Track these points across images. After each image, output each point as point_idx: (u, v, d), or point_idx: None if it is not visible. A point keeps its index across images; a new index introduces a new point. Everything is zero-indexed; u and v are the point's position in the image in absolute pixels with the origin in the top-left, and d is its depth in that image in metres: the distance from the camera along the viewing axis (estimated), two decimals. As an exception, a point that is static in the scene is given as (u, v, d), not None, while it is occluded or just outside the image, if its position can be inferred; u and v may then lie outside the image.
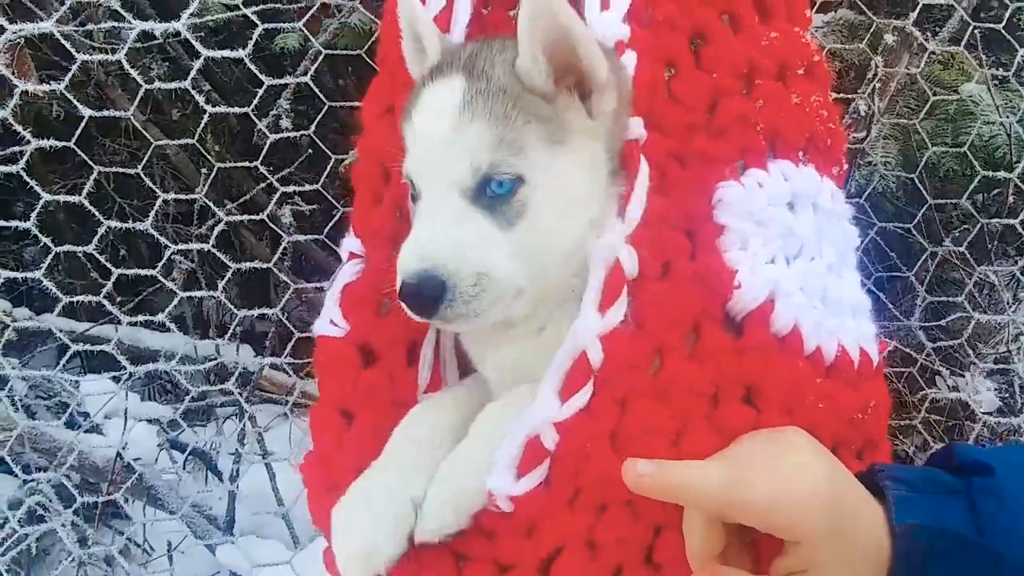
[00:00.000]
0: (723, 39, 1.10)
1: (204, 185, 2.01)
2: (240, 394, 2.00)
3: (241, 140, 2.63)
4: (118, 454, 2.07)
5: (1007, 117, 2.06)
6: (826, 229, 1.09)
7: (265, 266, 2.06)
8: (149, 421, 2.22)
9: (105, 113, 1.95)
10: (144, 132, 2.02)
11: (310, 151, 2.21)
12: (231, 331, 2.07)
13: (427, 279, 0.94)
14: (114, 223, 1.85)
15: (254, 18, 1.85)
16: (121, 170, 2.03)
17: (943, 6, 2.12)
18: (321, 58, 1.97)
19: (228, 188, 2.56)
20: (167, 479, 2.25)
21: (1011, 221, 2.06)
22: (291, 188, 2.01)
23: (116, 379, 2.16)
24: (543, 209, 0.97)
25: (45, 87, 1.82)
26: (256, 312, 2.07)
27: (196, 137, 1.92)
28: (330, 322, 1.14)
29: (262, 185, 2.26)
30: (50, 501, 2.03)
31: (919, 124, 2.22)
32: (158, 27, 1.83)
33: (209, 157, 2.02)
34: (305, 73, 2.01)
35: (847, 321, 1.05)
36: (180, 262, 2.13)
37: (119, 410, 2.17)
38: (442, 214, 0.97)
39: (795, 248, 1.05)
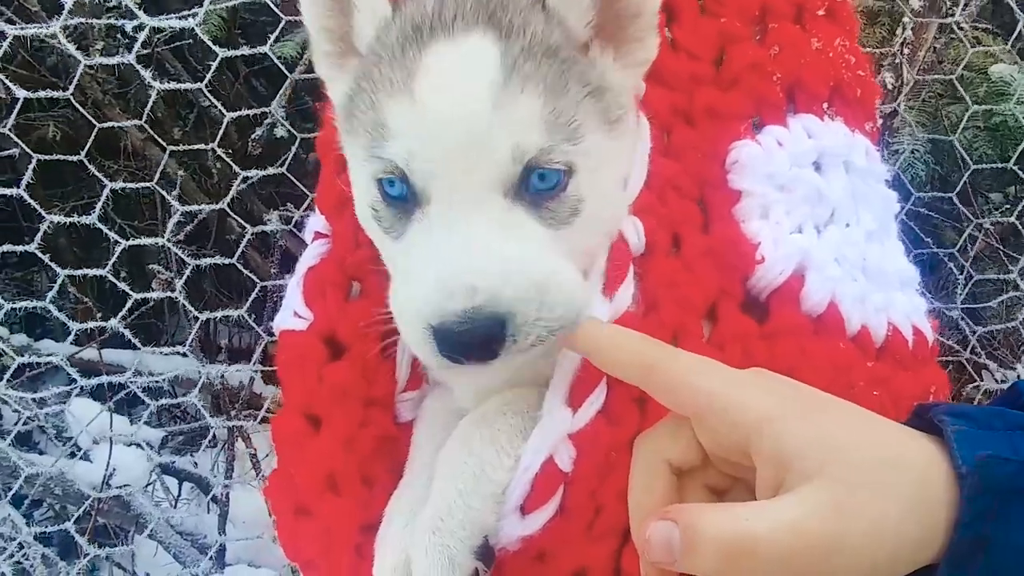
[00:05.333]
0: (730, -22, 0.96)
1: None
2: (226, 412, 1.85)
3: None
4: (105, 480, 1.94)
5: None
6: (862, 191, 0.93)
7: (228, 262, 1.88)
8: (139, 445, 2.08)
9: (110, 124, 1.87)
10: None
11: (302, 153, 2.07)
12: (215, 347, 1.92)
13: (482, 318, 0.69)
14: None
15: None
16: (133, 185, 1.93)
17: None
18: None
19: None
20: (163, 508, 2.13)
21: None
22: (254, 173, 1.88)
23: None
24: (598, 205, 0.78)
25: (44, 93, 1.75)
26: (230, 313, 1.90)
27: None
28: (293, 314, 0.95)
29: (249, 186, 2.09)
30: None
31: (946, 109, 2.13)
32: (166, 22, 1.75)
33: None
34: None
35: (895, 296, 0.89)
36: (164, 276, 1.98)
37: (107, 435, 2.05)
38: (482, 221, 0.72)
39: (826, 214, 0.90)
